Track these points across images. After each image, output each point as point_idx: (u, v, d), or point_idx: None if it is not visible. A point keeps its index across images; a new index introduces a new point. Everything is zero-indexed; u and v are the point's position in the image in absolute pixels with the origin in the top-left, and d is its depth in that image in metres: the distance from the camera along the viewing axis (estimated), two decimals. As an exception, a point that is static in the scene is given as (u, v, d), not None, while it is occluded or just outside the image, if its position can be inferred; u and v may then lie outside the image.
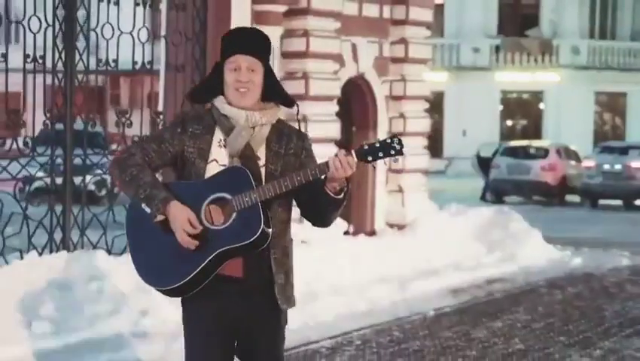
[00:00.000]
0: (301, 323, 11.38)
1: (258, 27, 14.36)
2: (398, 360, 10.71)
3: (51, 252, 12.70)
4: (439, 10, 41.92)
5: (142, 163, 5.13)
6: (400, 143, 4.91)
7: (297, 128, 5.28)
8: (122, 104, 38.90)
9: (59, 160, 13.54)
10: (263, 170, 5.10)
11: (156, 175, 5.26)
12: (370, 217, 17.98)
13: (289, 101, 5.22)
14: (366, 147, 4.95)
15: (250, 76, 5.05)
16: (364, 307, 13.24)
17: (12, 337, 10.18)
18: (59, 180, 13.36)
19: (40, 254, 12.45)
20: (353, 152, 4.92)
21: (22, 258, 12.18)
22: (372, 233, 17.70)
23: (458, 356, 10.98)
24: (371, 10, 17.86)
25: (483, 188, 34.19)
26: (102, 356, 10.09)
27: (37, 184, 13.53)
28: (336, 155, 4.89)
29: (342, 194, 5.00)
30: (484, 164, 35.50)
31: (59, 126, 13.28)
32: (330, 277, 14.06)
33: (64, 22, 13.14)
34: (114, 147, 14.85)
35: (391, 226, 18.12)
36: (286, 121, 5.31)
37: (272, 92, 5.18)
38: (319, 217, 5.17)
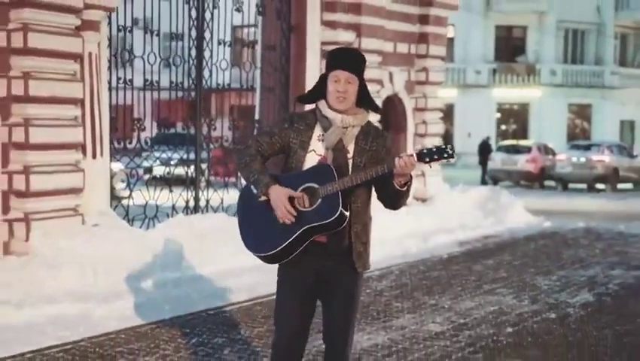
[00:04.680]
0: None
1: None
2: (424, 282, 11.41)
3: (187, 214, 13.52)
4: (450, 42, 41.03)
5: (255, 153, 4.93)
6: (452, 148, 4.70)
7: (381, 129, 5.12)
8: (212, 113, 38.85)
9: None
10: (350, 161, 4.89)
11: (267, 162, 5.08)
12: (402, 193, 18.60)
13: (376, 108, 5.06)
14: (425, 151, 4.68)
15: (347, 87, 4.86)
16: (399, 252, 13.82)
17: (171, 267, 10.88)
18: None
19: (185, 214, 13.33)
20: (414, 154, 4.67)
21: (169, 218, 12.98)
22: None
23: (463, 279, 11.70)
24: (402, 48, 18.28)
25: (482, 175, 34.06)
26: (229, 281, 10.73)
27: (177, 171, 14.12)
28: (400, 156, 4.66)
29: (406, 187, 4.79)
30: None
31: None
32: (376, 233, 14.08)
33: (196, 58, 13.98)
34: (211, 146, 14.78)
35: (417, 199, 18.48)
36: (373, 123, 5.10)
37: (364, 101, 4.98)
38: (389, 202, 4.93)
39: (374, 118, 16.25)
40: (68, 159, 11.36)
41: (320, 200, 4.74)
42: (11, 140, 10.81)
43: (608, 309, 9.99)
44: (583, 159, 32.00)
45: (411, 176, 4.78)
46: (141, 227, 12.71)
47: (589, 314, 9.65)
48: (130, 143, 13.43)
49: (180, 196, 13.84)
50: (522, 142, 37.26)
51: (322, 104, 4.95)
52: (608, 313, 9.72)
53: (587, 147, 33.45)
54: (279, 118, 4.80)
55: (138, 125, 13.25)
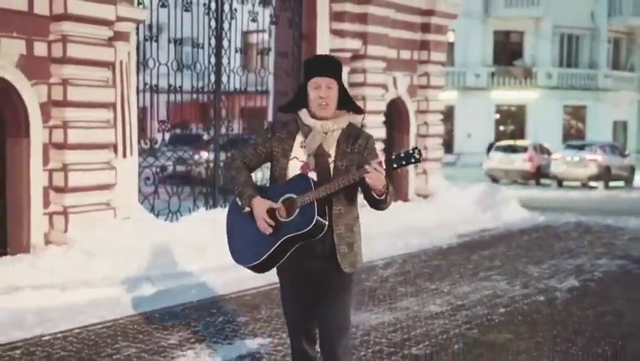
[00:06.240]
0: (364, 251, 12.77)
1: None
2: (425, 270, 11.75)
3: (207, 209, 13.96)
4: (450, 46, 41.26)
5: (241, 166, 4.86)
6: (419, 153, 4.49)
7: (363, 130, 4.92)
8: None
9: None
10: (332, 165, 4.75)
11: (254, 173, 5.03)
12: (405, 190, 18.48)
13: (358, 110, 4.92)
14: (393, 157, 4.52)
15: (328, 92, 4.72)
16: (402, 244, 14.09)
17: (196, 259, 11.28)
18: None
19: (205, 209, 13.76)
20: (383, 163, 4.48)
21: (192, 212, 13.49)
22: (406, 200, 18.31)
23: (461, 267, 12.05)
24: (405, 55, 18.71)
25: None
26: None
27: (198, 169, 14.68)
28: (367, 170, 4.47)
29: (384, 195, 4.61)
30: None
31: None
32: (381, 227, 14.56)
33: (215, 65, 14.53)
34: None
35: (419, 195, 18.90)
36: (355, 125, 4.94)
37: (345, 103, 4.86)
38: (373, 205, 4.71)
39: (379, 119, 17.06)
40: (102, 158, 11.95)
41: (298, 210, 4.64)
42: (51, 140, 11.46)
43: (592, 293, 10.41)
44: (577, 158, 31.97)
45: (388, 185, 4.62)
46: (165, 220, 13.13)
47: (574, 297, 10.07)
48: (156, 143, 13.99)
49: (201, 193, 14.30)
50: (520, 142, 37.07)
51: (303, 113, 4.83)
52: (592, 296, 10.15)
53: (581, 147, 33.37)
54: (262, 129, 4.56)
55: (164, 126, 13.80)
